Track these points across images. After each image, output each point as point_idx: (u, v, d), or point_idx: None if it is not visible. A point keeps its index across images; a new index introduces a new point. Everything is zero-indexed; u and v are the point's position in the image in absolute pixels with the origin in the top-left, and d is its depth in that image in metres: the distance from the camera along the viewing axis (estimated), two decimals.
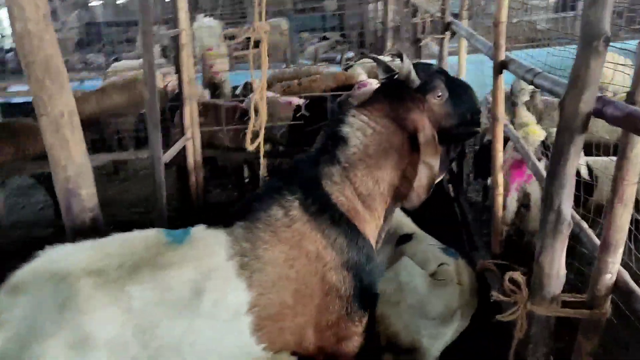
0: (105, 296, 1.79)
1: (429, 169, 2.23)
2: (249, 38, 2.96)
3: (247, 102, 5.99)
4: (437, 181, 2.34)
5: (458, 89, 2.35)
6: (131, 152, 5.03)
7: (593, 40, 1.87)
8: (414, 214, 4.74)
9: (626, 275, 2.18)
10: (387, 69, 2.37)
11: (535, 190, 3.75)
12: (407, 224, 3.78)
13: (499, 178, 3.45)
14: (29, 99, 7.04)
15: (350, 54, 9.57)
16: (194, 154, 4.74)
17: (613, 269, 2.14)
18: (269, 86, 6.27)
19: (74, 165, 2.05)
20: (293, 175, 2.24)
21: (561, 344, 2.48)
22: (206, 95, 6.67)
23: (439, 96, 2.27)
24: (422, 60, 5.12)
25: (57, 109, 1.96)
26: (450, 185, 5.14)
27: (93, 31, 16.93)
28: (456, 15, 5.01)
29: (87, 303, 1.76)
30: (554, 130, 2.21)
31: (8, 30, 19.41)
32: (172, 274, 1.87)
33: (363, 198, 2.22)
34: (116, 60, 12.68)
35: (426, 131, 2.21)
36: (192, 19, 10.81)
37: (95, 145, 5.99)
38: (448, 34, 4.89)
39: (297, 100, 5.49)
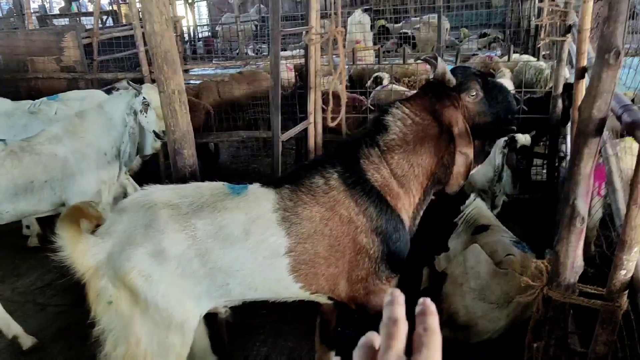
0: (176, 224, 2.39)
1: (465, 158, 2.56)
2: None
3: (373, 94, 6.49)
4: (473, 171, 2.65)
5: (494, 91, 2.62)
6: (262, 131, 5.83)
7: (605, 53, 2.06)
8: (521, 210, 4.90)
9: None
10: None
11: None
12: (487, 217, 4.02)
13: None
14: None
15: (492, 53, 9.52)
16: (314, 137, 5.37)
17: (628, 265, 2.28)
18: (397, 80, 6.68)
19: (180, 131, 2.74)
20: (337, 153, 2.70)
21: (580, 331, 2.64)
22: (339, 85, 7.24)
23: (472, 95, 2.58)
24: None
25: (170, 88, 2.64)
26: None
27: (267, 24, 18.55)
28: None
29: (165, 226, 2.38)
30: None
31: (203, 20, 22.04)
32: (226, 216, 2.42)
33: (398, 178, 2.58)
34: (283, 50, 13.87)
35: (460, 125, 2.53)
36: (349, 13, 11.54)
37: (236, 124, 6.93)
38: (569, 36, 4.88)
39: None
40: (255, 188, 2.58)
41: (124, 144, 4.51)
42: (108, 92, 5.85)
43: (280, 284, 2.51)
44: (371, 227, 2.52)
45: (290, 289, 2.55)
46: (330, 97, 3.61)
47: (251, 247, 2.41)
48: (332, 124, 3.51)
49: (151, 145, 4.75)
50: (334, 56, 8.74)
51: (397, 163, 2.58)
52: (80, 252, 2.35)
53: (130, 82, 4.57)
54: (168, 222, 2.39)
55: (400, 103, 2.67)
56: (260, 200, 2.50)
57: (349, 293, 2.62)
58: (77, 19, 11.79)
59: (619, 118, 2.23)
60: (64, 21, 11.22)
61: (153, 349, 2.38)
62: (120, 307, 2.37)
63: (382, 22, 14.49)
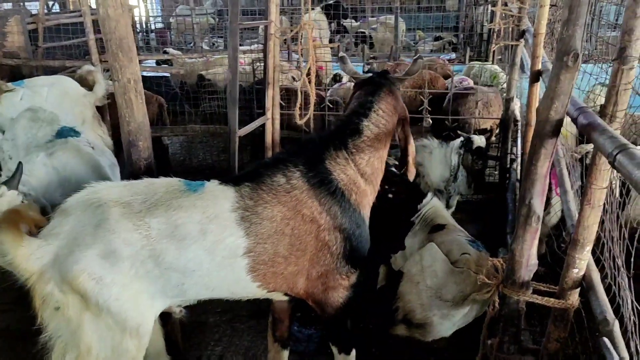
0: (129, 222, 2.27)
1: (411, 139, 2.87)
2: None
3: (331, 91, 6.49)
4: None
5: None
6: (218, 127, 5.70)
7: (564, 56, 2.10)
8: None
9: (594, 273, 2.38)
10: (351, 70, 3.02)
11: None
12: (443, 216, 4.06)
13: None
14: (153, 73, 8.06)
15: (447, 56, 9.70)
16: (272, 133, 5.30)
17: (580, 264, 2.34)
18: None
19: (135, 122, 2.62)
20: (301, 151, 2.65)
21: (534, 328, 2.70)
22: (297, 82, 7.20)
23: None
24: None
25: (126, 76, 2.53)
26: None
27: (224, 18, 18.26)
28: None
29: (116, 226, 2.26)
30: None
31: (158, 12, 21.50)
32: (182, 214, 2.32)
33: (367, 176, 2.64)
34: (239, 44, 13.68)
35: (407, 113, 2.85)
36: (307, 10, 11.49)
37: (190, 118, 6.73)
38: (522, 41, 5.00)
39: None
40: (213, 186, 2.49)
41: None
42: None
43: (238, 284, 2.45)
44: (334, 225, 2.51)
45: (247, 289, 2.49)
46: (299, 93, 3.59)
47: (208, 247, 2.33)
48: (300, 122, 3.50)
49: None
50: (294, 52, 8.74)
51: (368, 162, 2.64)
52: (23, 256, 2.20)
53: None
54: (120, 221, 2.27)
55: (377, 105, 2.72)
56: (219, 198, 2.41)
57: (307, 290, 2.60)
58: (21, 3, 11.20)
59: (574, 120, 2.28)
60: (7, 5, 10.64)
61: (106, 355, 2.28)
62: (68, 313, 2.24)
63: None
